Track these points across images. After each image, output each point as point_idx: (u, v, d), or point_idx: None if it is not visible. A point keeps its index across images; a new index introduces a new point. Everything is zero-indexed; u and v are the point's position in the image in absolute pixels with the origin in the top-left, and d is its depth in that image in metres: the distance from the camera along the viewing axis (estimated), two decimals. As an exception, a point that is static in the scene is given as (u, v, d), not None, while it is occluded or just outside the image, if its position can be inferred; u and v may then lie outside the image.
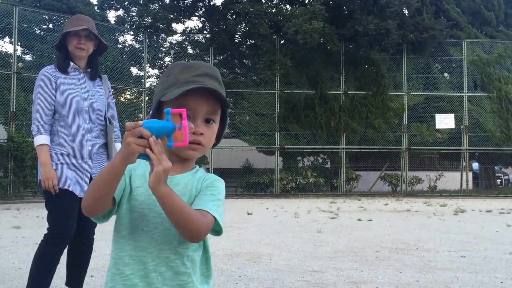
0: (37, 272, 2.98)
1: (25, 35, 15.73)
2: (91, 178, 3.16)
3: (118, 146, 3.41)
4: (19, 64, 15.80)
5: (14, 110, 14.28)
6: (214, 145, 1.46)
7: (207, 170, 17.85)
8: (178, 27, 42.41)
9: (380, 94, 18.85)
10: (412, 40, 18.34)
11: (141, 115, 18.72)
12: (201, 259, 1.42)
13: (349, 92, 18.88)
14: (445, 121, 18.74)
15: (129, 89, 19.70)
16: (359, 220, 9.34)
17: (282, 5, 19.92)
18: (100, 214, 1.33)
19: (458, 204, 14.07)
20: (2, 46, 17.65)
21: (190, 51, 21.17)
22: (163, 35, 19.95)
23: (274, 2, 20.39)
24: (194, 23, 36.12)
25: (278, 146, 18.40)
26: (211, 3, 20.27)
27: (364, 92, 18.96)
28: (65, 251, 3.18)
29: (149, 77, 20.38)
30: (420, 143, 19.18)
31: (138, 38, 19.92)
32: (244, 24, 18.40)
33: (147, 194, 1.32)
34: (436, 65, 20.59)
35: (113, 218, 1.42)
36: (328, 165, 20.02)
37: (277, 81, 18.49)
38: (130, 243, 1.36)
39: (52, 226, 3.07)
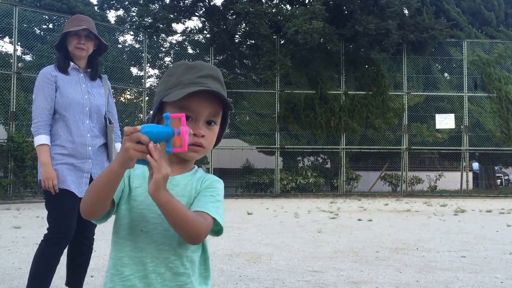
0: (37, 272, 2.98)
1: (25, 35, 15.73)
2: (91, 178, 3.16)
3: (118, 146, 3.41)
4: (19, 64, 15.80)
5: (14, 110, 14.28)
6: (214, 145, 1.46)
7: (207, 170, 17.90)
8: (178, 27, 42.43)
9: (380, 94, 18.85)
10: (412, 40, 18.34)
11: (141, 115, 18.73)
12: (200, 260, 1.42)
13: (349, 92, 18.88)
14: (445, 121, 18.74)
15: (129, 89, 19.70)
16: (359, 220, 9.34)
17: (282, 5, 19.92)
18: (99, 217, 1.32)
19: (458, 204, 14.07)
20: (2, 46, 17.67)
21: (190, 51, 21.17)
22: (163, 35, 19.95)
23: (274, 2, 20.39)
24: (194, 23, 36.19)
25: (278, 146, 18.39)
26: (211, 3, 20.27)
27: (364, 92, 18.96)
28: (65, 251, 3.18)
29: (149, 77, 20.39)
30: (420, 143, 19.18)
31: (138, 38, 19.92)
32: (244, 24, 18.40)
33: (146, 195, 1.32)
34: (436, 65, 20.59)
35: (112, 218, 1.41)
36: (328, 165, 20.02)
37: (277, 81, 18.49)
38: (129, 243, 1.35)
39: (52, 226, 3.06)
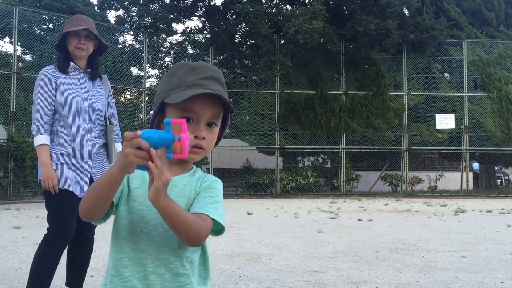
0: (37, 272, 2.98)
1: (25, 35, 15.73)
2: (91, 178, 3.16)
3: (118, 146, 3.41)
4: (19, 64, 15.80)
5: (14, 110, 14.28)
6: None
7: (207, 170, 17.91)
8: (178, 27, 42.43)
9: (380, 94, 18.85)
10: (413, 40, 18.34)
11: (141, 115, 18.73)
12: (199, 261, 1.42)
13: (349, 92, 18.87)
14: (445, 121, 18.74)
15: (129, 89, 19.70)
16: (359, 220, 9.34)
17: (282, 5, 19.92)
18: (97, 219, 1.32)
19: (458, 204, 14.07)
20: (2, 46, 17.68)
21: (190, 51, 21.17)
22: (163, 35, 19.96)
23: (274, 2, 20.39)
24: (194, 23, 36.21)
25: (278, 146, 18.39)
26: (211, 3, 20.27)
27: (365, 92, 18.96)
28: (65, 251, 3.18)
29: (149, 77, 20.39)
30: (420, 143, 19.18)
31: (138, 38, 19.92)
32: (244, 24, 18.40)
33: (146, 195, 1.32)
34: (437, 65, 20.59)
35: (111, 218, 1.41)
36: (328, 165, 20.02)
37: (277, 81, 18.49)
38: (129, 244, 1.35)
39: (52, 226, 3.06)
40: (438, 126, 18.80)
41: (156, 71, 21.77)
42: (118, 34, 19.95)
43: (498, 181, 24.55)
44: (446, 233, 7.45)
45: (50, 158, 3.06)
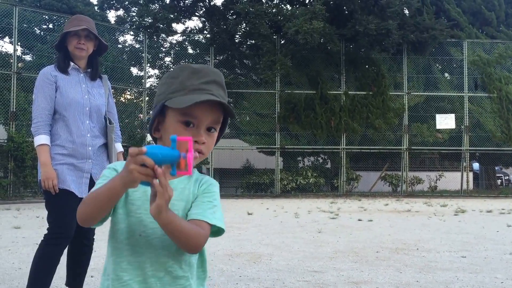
0: (37, 272, 2.98)
1: (25, 35, 15.73)
2: (91, 178, 3.15)
3: (118, 146, 3.40)
4: (19, 64, 15.81)
5: (14, 110, 14.28)
6: None
7: (208, 170, 17.91)
8: (178, 27, 42.48)
9: (380, 94, 18.85)
10: (413, 40, 18.34)
11: (141, 115, 18.74)
12: (197, 262, 1.42)
13: (349, 92, 18.87)
14: (445, 121, 18.74)
15: (129, 89, 19.70)
16: (359, 220, 9.33)
17: (282, 5, 19.92)
18: (94, 224, 1.32)
19: (458, 204, 14.07)
20: (2, 46, 17.68)
21: (190, 51, 21.18)
22: (163, 35, 19.96)
23: (275, 2, 20.39)
24: (194, 23, 36.27)
25: (279, 146, 18.39)
26: (211, 3, 20.27)
27: (365, 92, 18.96)
28: (65, 251, 3.17)
29: (149, 77, 20.40)
30: (421, 143, 19.18)
31: (138, 38, 19.93)
32: (244, 24, 18.40)
33: (144, 199, 1.31)
34: (437, 65, 20.59)
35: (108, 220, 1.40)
36: (329, 165, 20.02)
37: (278, 81, 18.49)
38: (127, 248, 1.35)
39: (52, 226, 3.06)
40: (438, 126, 18.80)
41: (156, 71, 21.80)
42: (118, 34, 19.95)
43: (499, 181, 24.56)
44: (446, 233, 7.44)
45: (50, 158, 3.06)
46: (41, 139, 3.07)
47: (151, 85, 19.80)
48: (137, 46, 20.38)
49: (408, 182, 19.07)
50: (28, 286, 2.97)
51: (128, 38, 30.08)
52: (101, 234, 5.44)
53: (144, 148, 1.13)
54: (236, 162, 19.54)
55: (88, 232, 3.27)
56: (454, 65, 20.29)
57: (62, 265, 3.23)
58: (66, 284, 3.33)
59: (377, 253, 5.61)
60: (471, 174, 20.45)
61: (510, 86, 19.25)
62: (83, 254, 3.28)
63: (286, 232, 7.53)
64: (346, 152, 18.71)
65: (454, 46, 19.63)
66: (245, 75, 20.56)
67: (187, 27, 32.00)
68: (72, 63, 3.25)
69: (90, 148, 3.17)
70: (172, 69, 1.49)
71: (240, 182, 18.90)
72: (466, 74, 19.25)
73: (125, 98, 19.97)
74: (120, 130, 3.52)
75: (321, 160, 20.20)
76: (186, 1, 20.16)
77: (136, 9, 19.80)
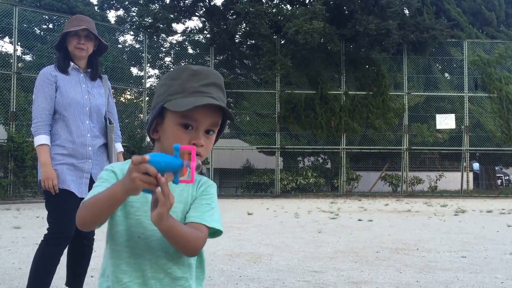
0: (37, 273, 2.98)
1: (25, 35, 15.73)
2: (91, 178, 3.15)
3: (118, 146, 3.40)
4: (19, 64, 15.81)
5: (14, 110, 14.28)
6: None
7: (208, 170, 17.90)
8: (178, 27, 42.48)
9: (380, 94, 18.85)
10: (413, 40, 18.34)
11: (141, 115, 18.73)
12: (196, 263, 1.42)
13: (349, 92, 18.87)
14: (445, 121, 18.74)
15: (129, 89, 19.70)
16: (359, 220, 9.33)
17: (282, 5, 19.92)
18: (93, 229, 1.32)
19: (458, 204, 14.07)
20: (2, 46, 17.68)
21: (190, 51, 21.18)
22: (163, 35, 19.96)
23: (275, 2, 20.39)
24: (194, 23, 36.28)
25: (279, 146, 18.39)
26: (211, 3, 20.27)
27: (365, 92, 18.96)
28: (65, 251, 3.17)
29: (149, 77, 20.40)
30: (421, 143, 19.18)
31: (138, 38, 19.93)
32: (244, 24, 18.40)
33: (143, 201, 1.31)
34: (437, 65, 20.60)
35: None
36: (329, 166, 20.02)
37: (278, 81, 18.49)
38: (126, 250, 1.34)
39: (52, 226, 3.06)
40: (438, 126, 18.81)
41: (156, 71, 21.79)
42: (118, 34, 19.95)
43: (499, 181, 24.56)
44: (446, 233, 7.44)
45: (50, 158, 3.06)
46: (41, 139, 3.07)
47: (151, 85, 19.80)
48: (137, 46, 20.39)
49: (408, 182, 19.07)
50: (28, 286, 2.97)
51: (128, 38, 30.11)
52: (101, 234, 5.44)
53: (147, 157, 1.13)
54: (236, 162, 19.55)
55: (88, 232, 3.26)
56: (454, 65, 20.29)
57: (62, 265, 3.23)
58: (66, 284, 3.33)
59: (377, 253, 5.61)
60: (471, 174, 20.45)
61: (510, 86, 19.26)
62: (83, 254, 3.28)
63: (286, 232, 7.53)
64: (346, 152, 18.71)
65: (454, 46, 19.64)
66: (245, 75, 20.56)
67: (187, 27, 32.03)
68: (72, 63, 3.24)
69: (90, 148, 3.17)
70: (171, 70, 1.48)
71: (240, 182, 18.90)
72: (466, 74, 19.25)
73: (125, 98, 19.97)
74: (120, 130, 3.51)
75: (321, 160, 20.20)
76: (186, 1, 20.16)
77: (136, 9, 19.80)
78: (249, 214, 10.47)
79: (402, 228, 8.18)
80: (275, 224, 8.60)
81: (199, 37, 21.40)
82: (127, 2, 20.81)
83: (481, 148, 19.42)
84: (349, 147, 18.77)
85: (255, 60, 18.93)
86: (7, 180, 13.78)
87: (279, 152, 18.48)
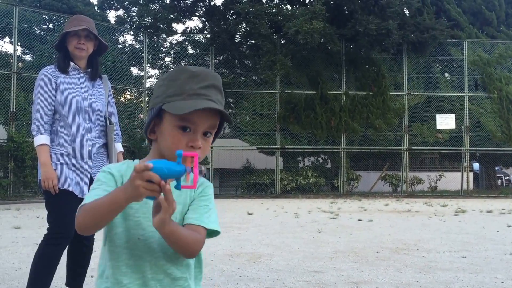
0: (37, 273, 2.98)
1: (25, 35, 15.74)
2: (91, 178, 3.15)
3: (118, 146, 3.40)
4: (19, 64, 15.81)
5: (14, 110, 14.28)
6: None
7: (208, 170, 17.90)
8: (179, 27, 42.46)
9: (380, 94, 18.85)
10: (413, 40, 18.34)
11: (141, 115, 18.73)
12: (194, 263, 1.43)
13: (349, 92, 18.88)
14: (445, 121, 18.74)
15: (129, 89, 19.70)
16: (359, 220, 9.33)
17: (282, 5, 19.93)
18: (92, 233, 1.32)
19: (458, 204, 14.07)
20: (2, 46, 17.69)
21: (190, 51, 21.18)
22: (163, 35, 19.96)
23: (275, 2, 20.39)
24: (194, 23, 36.30)
25: (279, 146, 18.39)
26: (212, 3, 20.28)
27: (365, 92, 18.96)
28: (65, 251, 3.17)
29: (149, 77, 20.39)
30: (421, 143, 19.18)
31: (138, 38, 19.93)
32: (244, 24, 18.40)
33: (142, 202, 1.30)
34: (437, 65, 20.60)
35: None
36: (329, 166, 20.02)
37: (278, 81, 18.49)
38: (126, 252, 1.34)
39: (52, 226, 3.06)
40: (438, 126, 18.81)
41: (156, 71, 21.80)
42: (118, 34, 19.96)
43: (499, 181, 24.56)
44: (446, 233, 7.44)
45: (50, 158, 3.06)
46: (41, 139, 3.07)
47: (151, 85, 19.79)
48: (137, 46, 20.39)
49: (408, 182, 19.07)
50: (28, 286, 2.97)
51: (128, 38, 30.12)
52: (101, 234, 5.43)
53: (150, 164, 1.13)
54: (236, 162, 19.55)
55: (88, 232, 3.26)
56: (454, 65, 20.29)
57: (62, 265, 3.23)
58: (66, 284, 3.33)
59: (377, 253, 5.61)
60: (471, 174, 20.45)
61: (510, 86, 19.26)
62: (83, 254, 3.28)
63: (286, 232, 7.53)
64: (346, 152, 18.72)
65: (454, 46, 19.64)
66: (245, 75, 20.56)
67: (187, 27, 32.02)
68: (72, 63, 3.24)
69: (90, 148, 3.17)
70: (169, 71, 1.48)
71: (240, 182, 18.90)
72: (466, 74, 19.25)
73: (125, 98, 19.98)
74: (120, 130, 3.51)
75: (321, 160, 20.20)
76: (186, 1, 20.16)
77: (136, 9, 19.80)
78: (249, 214, 10.47)
79: (402, 228, 8.18)
80: (275, 224, 8.60)
81: (199, 37, 21.41)
82: (127, 2, 20.82)
83: (481, 148, 19.42)
84: (349, 147, 18.77)
85: (255, 60, 18.94)
86: (7, 180, 13.78)
87: (279, 152, 18.48)
